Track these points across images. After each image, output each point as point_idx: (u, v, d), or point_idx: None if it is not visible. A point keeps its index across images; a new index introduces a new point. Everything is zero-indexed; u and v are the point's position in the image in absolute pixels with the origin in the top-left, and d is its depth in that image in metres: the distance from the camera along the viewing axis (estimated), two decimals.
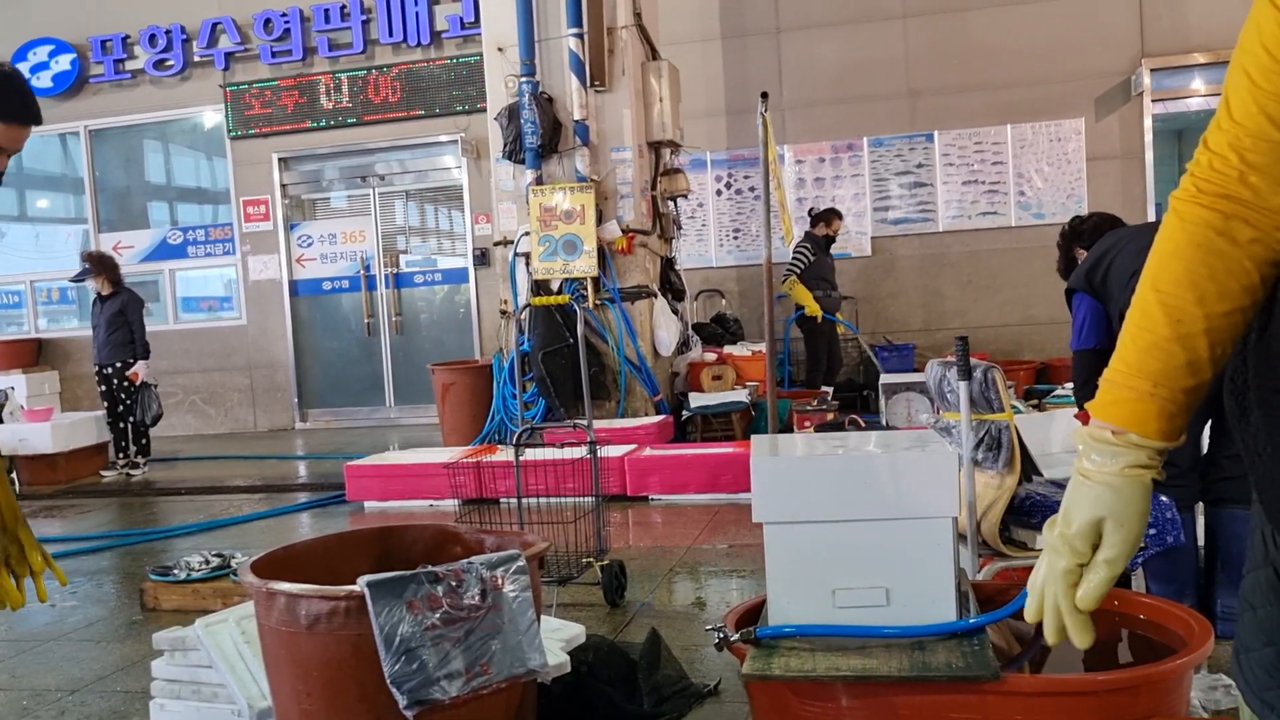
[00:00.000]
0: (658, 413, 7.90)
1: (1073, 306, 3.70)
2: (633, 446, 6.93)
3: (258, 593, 2.30)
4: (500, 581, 2.22)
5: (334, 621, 2.17)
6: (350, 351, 11.65)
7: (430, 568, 2.18)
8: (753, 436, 2.84)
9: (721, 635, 2.54)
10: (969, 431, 3.21)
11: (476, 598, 2.18)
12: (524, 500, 4.65)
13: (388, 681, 2.07)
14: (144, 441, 9.04)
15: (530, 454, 5.00)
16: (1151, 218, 9.54)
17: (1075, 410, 3.92)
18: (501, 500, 5.54)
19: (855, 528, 2.47)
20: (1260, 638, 1.20)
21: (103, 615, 4.79)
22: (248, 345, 11.77)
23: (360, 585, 2.12)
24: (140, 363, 8.73)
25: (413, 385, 11.33)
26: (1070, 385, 5.34)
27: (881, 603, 2.47)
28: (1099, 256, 3.58)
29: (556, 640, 3.13)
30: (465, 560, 2.23)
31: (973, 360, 3.24)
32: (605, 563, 4.31)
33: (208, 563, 5.15)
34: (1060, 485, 3.52)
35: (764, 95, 6.40)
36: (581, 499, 4.68)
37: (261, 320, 11.69)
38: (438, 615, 2.13)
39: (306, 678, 2.24)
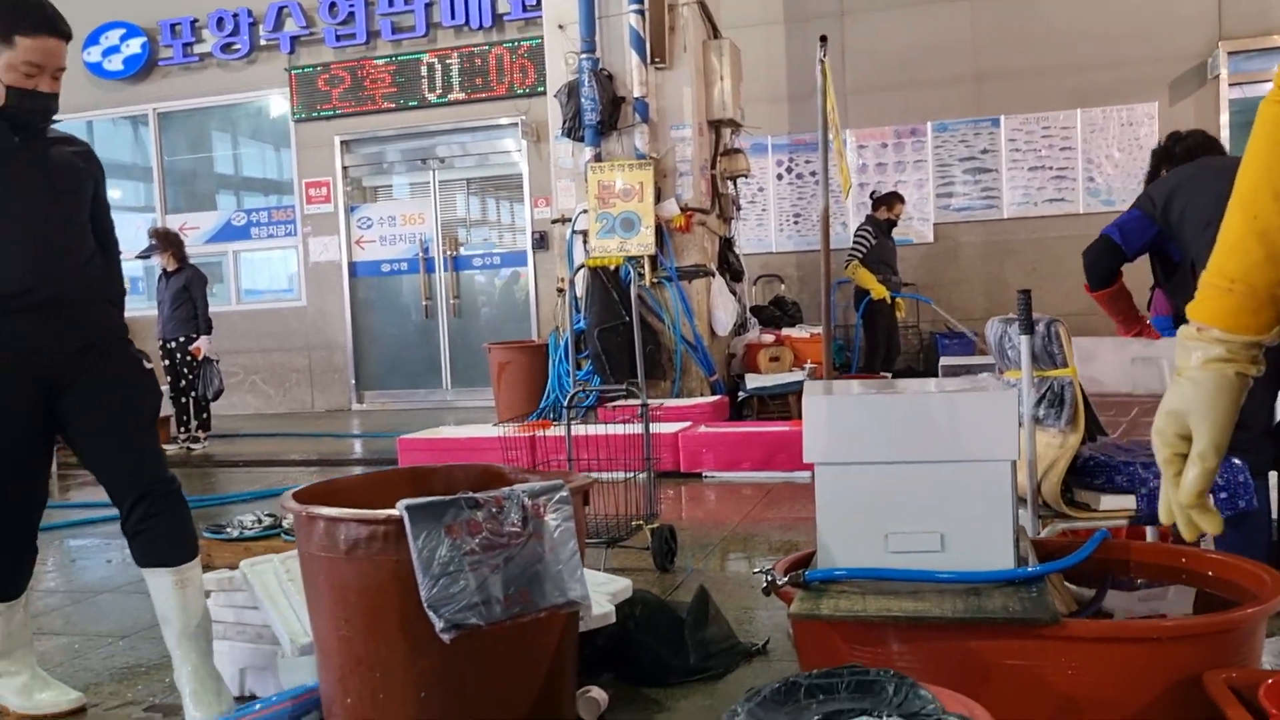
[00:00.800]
0: (713, 393, 7.83)
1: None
2: (687, 424, 6.86)
3: (298, 518, 2.28)
4: (542, 510, 2.17)
5: (373, 546, 2.14)
6: (408, 334, 11.72)
7: (471, 494, 2.14)
8: (806, 381, 2.77)
9: (770, 579, 2.47)
10: (1030, 388, 3.10)
11: (517, 525, 2.13)
12: (575, 469, 4.61)
13: (424, 605, 2.03)
14: (205, 416, 9.15)
15: (582, 429, 4.96)
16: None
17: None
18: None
19: (910, 470, 2.39)
20: None
21: None
22: (307, 326, 11.89)
23: (399, 509, 2.09)
24: (203, 338, 8.84)
25: (470, 368, 11.36)
26: None
27: (936, 548, 2.39)
28: (1175, 188, 3.44)
29: (603, 593, 3.08)
30: (507, 488, 2.18)
31: (1035, 315, 3.13)
32: (655, 526, 4.25)
33: (260, 522, 5.16)
34: (1124, 448, 3.40)
35: (823, 39, 6.28)
36: (634, 473, 4.62)
37: (321, 302, 11.80)
38: (477, 540, 2.09)
39: (345, 604, 2.21)
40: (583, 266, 6.27)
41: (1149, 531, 3.30)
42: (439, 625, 2.02)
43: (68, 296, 2.80)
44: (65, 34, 2.81)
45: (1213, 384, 1.18)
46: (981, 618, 2.15)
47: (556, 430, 6.35)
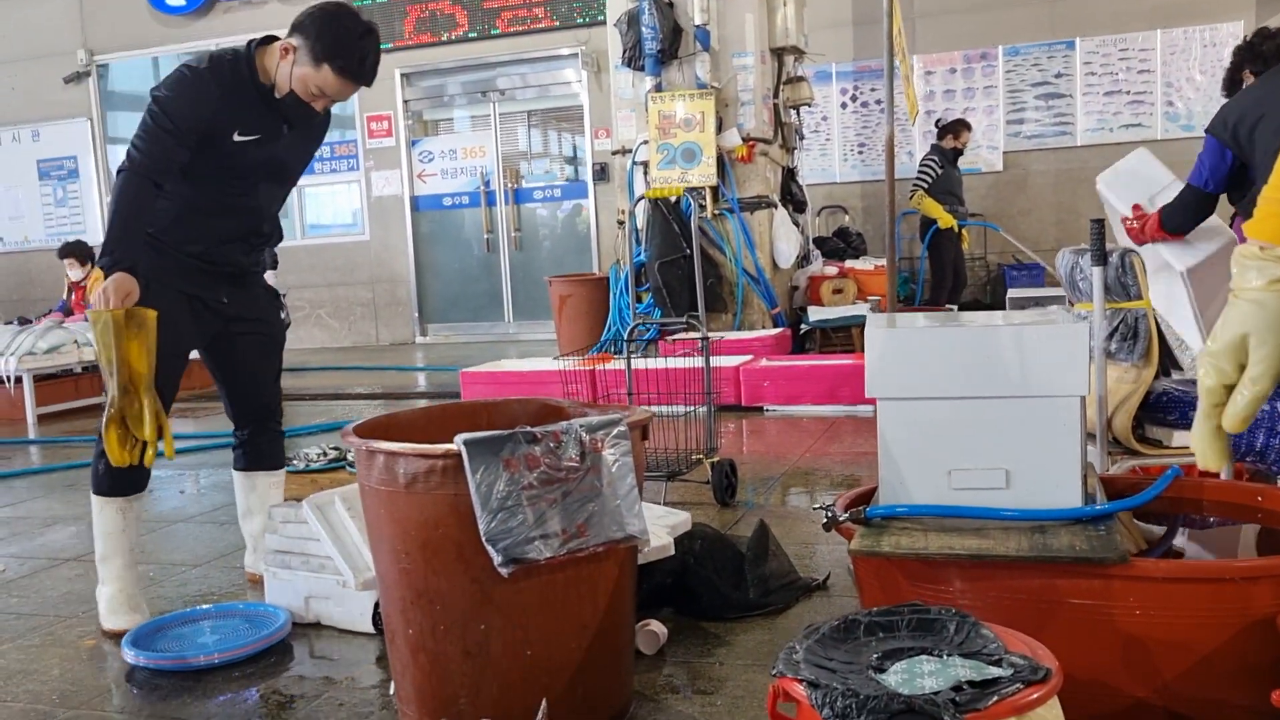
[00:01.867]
0: (775, 326, 7.76)
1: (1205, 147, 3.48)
2: (749, 357, 6.82)
3: (359, 452, 2.29)
4: (600, 444, 2.15)
5: (431, 480, 2.14)
6: (470, 267, 11.76)
7: (529, 428, 2.13)
8: (869, 314, 2.71)
9: (830, 515, 2.45)
10: (1102, 320, 3.01)
11: (575, 459, 2.12)
12: (635, 403, 4.60)
13: (483, 539, 2.04)
14: None
15: (642, 363, 4.95)
16: None
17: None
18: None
19: (975, 405, 2.33)
20: None
21: (227, 501, 4.92)
22: (370, 260, 11.98)
23: (457, 443, 2.09)
24: (269, 272, 8.92)
25: (531, 301, 11.39)
26: None
27: (1001, 485, 2.34)
28: (1250, 106, 3.29)
29: (662, 526, 3.08)
30: (565, 422, 2.17)
31: (1109, 246, 3.03)
32: (715, 460, 4.24)
33: (325, 455, 5.26)
34: None
35: None
36: (693, 408, 4.60)
37: (384, 236, 11.87)
38: (535, 475, 2.08)
39: (405, 537, 2.22)
40: (642, 198, 6.19)
41: (1224, 469, 3.20)
42: (497, 559, 2.03)
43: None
44: (366, 83, 3.04)
45: (1276, 305, 1.12)
46: (1047, 556, 2.10)
47: (617, 364, 6.36)
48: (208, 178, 3.14)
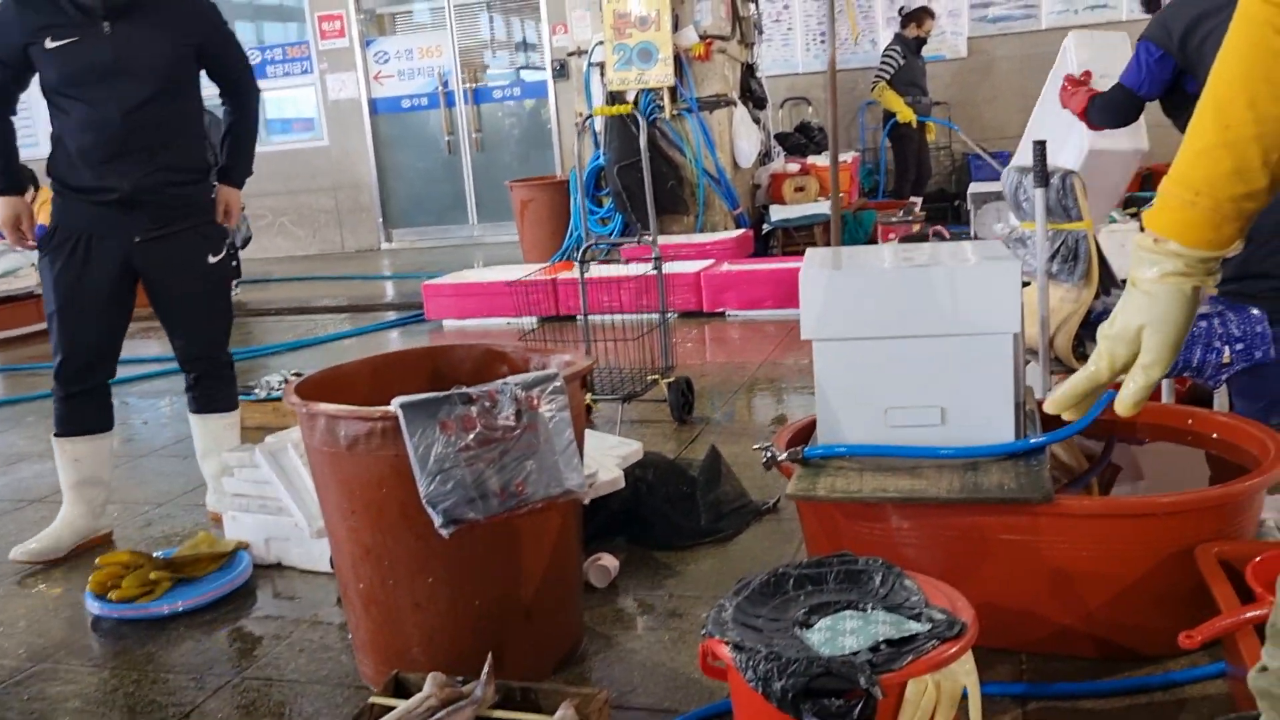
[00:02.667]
0: (737, 226, 7.74)
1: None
2: (710, 262, 6.81)
3: (301, 415, 2.30)
4: (536, 401, 2.18)
5: (371, 442, 2.17)
6: (432, 170, 11.59)
7: (464, 389, 2.14)
8: (808, 249, 2.71)
9: (769, 455, 2.49)
10: (1044, 242, 3.03)
11: (511, 418, 2.14)
12: (591, 317, 4.61)
13: (423, 501, 2.07)
14: (235, 264, 9.20)
15: (598, 271, 4.93)
16: None
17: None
18: (577, 317, 5.47)
19: (909, 344, 2.36)
20: None
21: (190, 433, 4.95)
22: (331, 166, 11.78)
23: (394, 406, 2.10)
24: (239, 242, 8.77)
25: (495, 203, 11.26)
26: None
27: (936, 422, 2.39)
28: (1200, 17, 3.17)
29: (613, 457, 3.12)
30: (500, 380, 2.18)
31: (1051, 166, 3.03)
32: (671, 380, 4.28)
33: (287, 382, 5.25)
34: None
35: None
36: (651, 315, 4.62)
37: (343, 140, 11.66)
38: (472, 436, 2.10)
39: (350, 497, 2.26)
40: (590, 116, 6.09)
41: (1164, 386, 3.27)
42: (437, 521, 2.07)
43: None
44: None
45: (1169, 298, 1.15)
46: (976, 498, 2.16)
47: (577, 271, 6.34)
48: (58, 98, 3.13)
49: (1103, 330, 1.22)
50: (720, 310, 6.51)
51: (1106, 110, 3.50)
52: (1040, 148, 2.98)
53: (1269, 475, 2.12)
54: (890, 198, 9.15)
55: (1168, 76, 3.30)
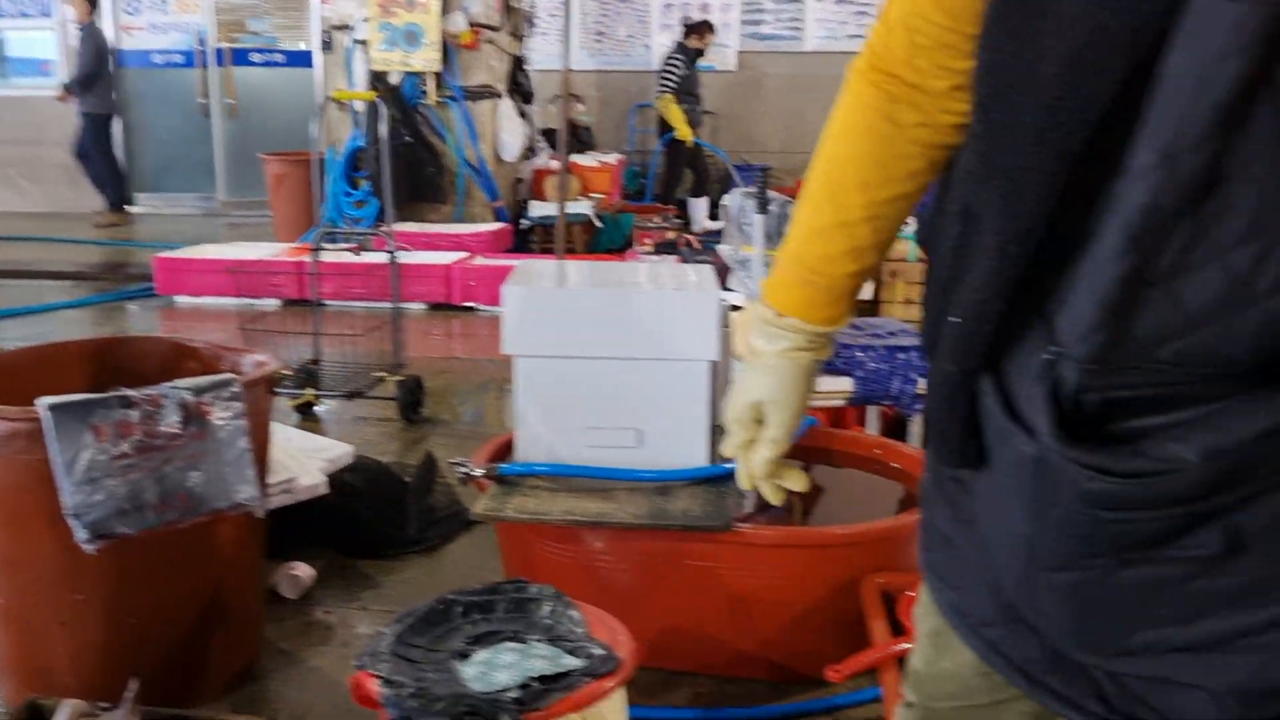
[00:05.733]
0: (496, 219, 7.64)
1: None
2: (464, 255, 6.69)
3: None
4: (207, 408, 2.03)
5: (15, 445, 1.96)
6: (182, 131, 10.88)
7: (124, 391, 1.98)
8: (518, 262, 2.67)
9: (465, 471, 2.43)
10: (763, 266, 3.10)
11: (176, 425, 1.99)
12: (333, 304, 4.44)
13: (67, 513, 1.90)
14: None
15: (334, 257, 4.75)
16: None
17: None
18: (327, 303, 5.22)
19: (608, 365, 2.35)
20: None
21: None
22: (69, 118, 10.88)
23: (39, 407, 1.91)
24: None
25: (249, 174, 10.66)
26: None
27: (633, 445, 2.39)
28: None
29: (319, 460, 2.98)
30: (167, 384, 2.03)
31: (771, 194, 3.10)
32: (401, 377, 4.15)
33: None
34: (859, 327, 3.47)
35: None
36: (389, 304, 4.47)
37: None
38: (129, 443, 1.94)
39: None
40: (329, 100, 5.83)
41: (870, 411, 3.41)
42: (81, 535, 1.90)
43: None
44: None
45: (793, 373, 1.12)
46: (661, 524, 2.17)
47: (327, 256, 6.09)
48: None
49: (725, 414, 1.18)
50: (470, 304, 6.40)
51: None
52: (763, 173, 3.05)
53: None
54: (656, 202, 9.24)
55: None
